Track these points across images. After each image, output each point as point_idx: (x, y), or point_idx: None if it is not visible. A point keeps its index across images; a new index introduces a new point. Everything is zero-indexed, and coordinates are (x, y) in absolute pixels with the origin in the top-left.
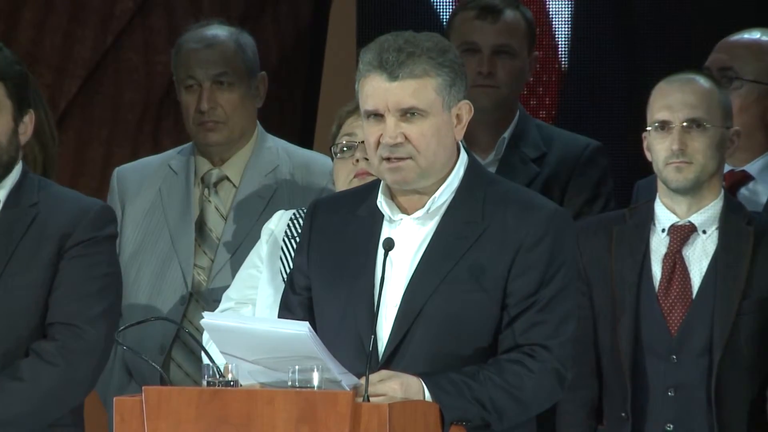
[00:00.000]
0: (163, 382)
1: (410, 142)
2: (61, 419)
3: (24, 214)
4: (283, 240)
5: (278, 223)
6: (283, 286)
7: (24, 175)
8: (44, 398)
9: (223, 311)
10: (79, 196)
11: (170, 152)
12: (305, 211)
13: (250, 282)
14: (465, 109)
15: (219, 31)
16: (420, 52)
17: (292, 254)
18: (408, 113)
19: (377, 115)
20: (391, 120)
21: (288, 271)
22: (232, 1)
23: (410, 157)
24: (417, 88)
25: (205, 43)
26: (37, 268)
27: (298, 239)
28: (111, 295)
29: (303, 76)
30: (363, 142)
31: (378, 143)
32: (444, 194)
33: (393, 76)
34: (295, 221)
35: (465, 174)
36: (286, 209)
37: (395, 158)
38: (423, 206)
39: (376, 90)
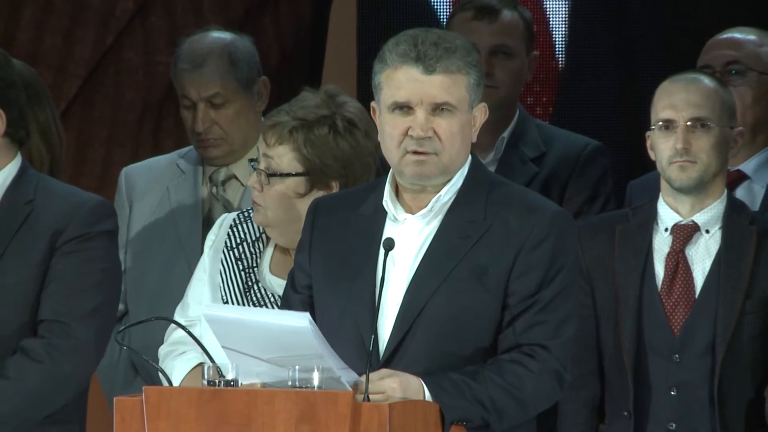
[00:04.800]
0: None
1: (438, 138)
2: (61, 414)
3: (18, 211)
4: (223, 251)
5: (218, 232)
6: (220, 299)
7: (22, 171)
8: (28, 396)
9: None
10: (76, 191)
11: (178, 152)
12: (245, 214)
13: (199, 298)
14: (482, 111)
15: (212, 44)
16: (455, 49)
17: (232, 265)
18: (439, 108)
19: (406, 107)
20: (421, 113)
21: (227, 282)
22: (232, 2)
23: (435, 153)
24: (451, 84)
25: (195, 64)
26: (29, 265)
27: (239, 249)
28: (104, 292)
29: (303, 76)
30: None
31: (403, 135)
32: (448, 193)
33: (429, 70)
34: (235, 228)
35: (468, 173)
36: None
37: (422, 152)
38: (427, 204)
39: (410, 82)
